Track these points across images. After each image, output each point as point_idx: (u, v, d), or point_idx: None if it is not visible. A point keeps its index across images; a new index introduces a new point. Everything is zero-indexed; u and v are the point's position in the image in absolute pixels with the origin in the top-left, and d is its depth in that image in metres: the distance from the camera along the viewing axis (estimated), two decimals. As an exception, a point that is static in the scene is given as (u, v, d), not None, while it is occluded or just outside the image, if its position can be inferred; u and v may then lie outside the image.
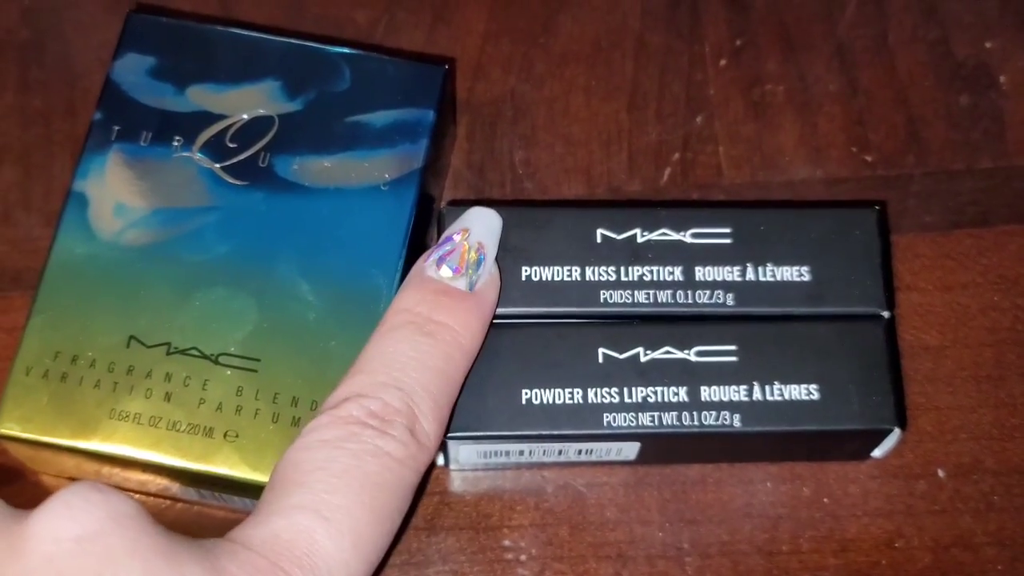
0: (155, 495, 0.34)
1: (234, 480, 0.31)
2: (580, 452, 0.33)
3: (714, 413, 0.32)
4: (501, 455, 0.34)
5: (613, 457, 0.34)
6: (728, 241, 0.34)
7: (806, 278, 0.34)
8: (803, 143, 0.40)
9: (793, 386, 0.33)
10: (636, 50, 0.41)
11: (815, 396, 0.33)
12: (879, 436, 0.33)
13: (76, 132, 0.39)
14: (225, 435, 0.31)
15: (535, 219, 0.34)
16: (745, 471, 0.35)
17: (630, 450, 0.34)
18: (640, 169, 0.39)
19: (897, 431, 0.33)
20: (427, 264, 0.31)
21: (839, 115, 0.40)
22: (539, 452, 0.33)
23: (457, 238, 0.31)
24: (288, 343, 0.32)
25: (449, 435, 0.32)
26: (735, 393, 0.33)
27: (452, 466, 0.35)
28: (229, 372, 0.32)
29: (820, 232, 0.34)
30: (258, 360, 0.32)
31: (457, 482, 0.35)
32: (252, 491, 0.31)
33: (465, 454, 0.33)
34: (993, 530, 0.35)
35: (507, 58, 0.41)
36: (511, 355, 0.33)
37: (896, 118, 0.40)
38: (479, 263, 0.31)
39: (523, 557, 0.34)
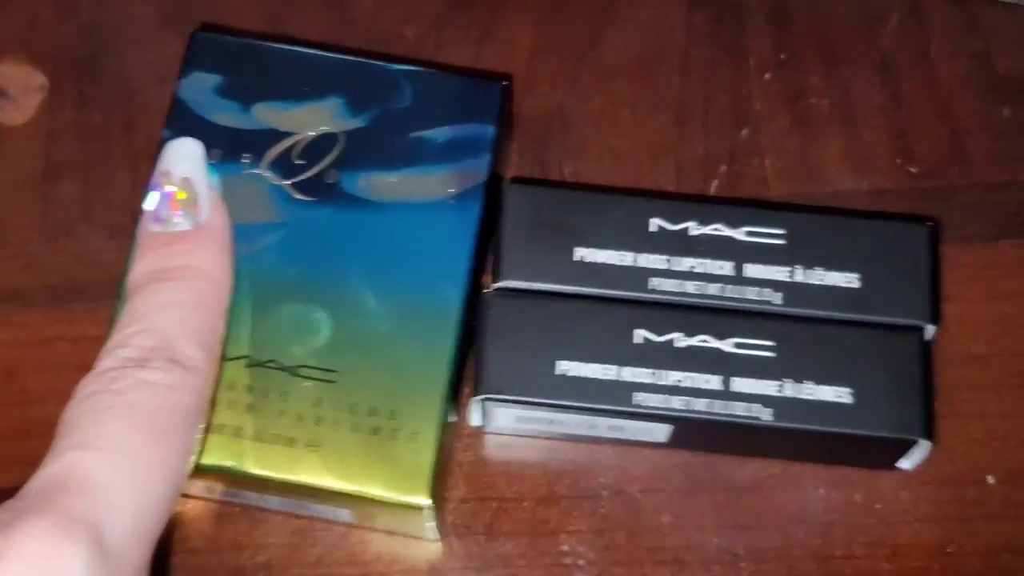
0: (238, 505, 0.35)
1: (319, 489, 0.32)
2: (611, 428, 0.34)
3: (744, 404, 0.33)
4: (534, 422, 0.34)
5: (644, 438, 0.35)
6: (781, 242, 0.35)
7: (855, 285, 0.34)
8: (848, 155, 0.40)
9: (826, 387, 0.33)
10: (682, 64, 0.42)
11: (846, 400, 0.33)
12: (906, 446, 0.34)
13: (134, 147, 0.40)
14: (307, 445, 0.32)
15: (593, 203, 0.35)
16: (799, 477, 0.36)
17: (661, 432, 0.34)
18: (688, 181, 0.40)
19: (925, 443, 0.33)
20: (147, 225, 0.31)
21: (883, 127, 0.40)
22: (572, 424, 0.34)
23: (162, 185, 0.31)
24: (363, 354, 0.33)
25: (484, 396, 0.33)
26: (767, 387, 0.33)
27: (488, 429, 0.36)
28: (308, 384, 0.32)
29: (873, 242, 0.35)
30: (335, 371, 0.32)
31: (515, 487, 0.36)
32: (338, 499, 0.32)
33: (500, 418, 0.34)
34: (1043, 535, 0.35)
35: (554, 73, 0.42)
36: (551, 326, 0.34)
37: (939, 130, 0.40)
38: (195, 198, 0.31)
39: (581, 562, 0.35)
